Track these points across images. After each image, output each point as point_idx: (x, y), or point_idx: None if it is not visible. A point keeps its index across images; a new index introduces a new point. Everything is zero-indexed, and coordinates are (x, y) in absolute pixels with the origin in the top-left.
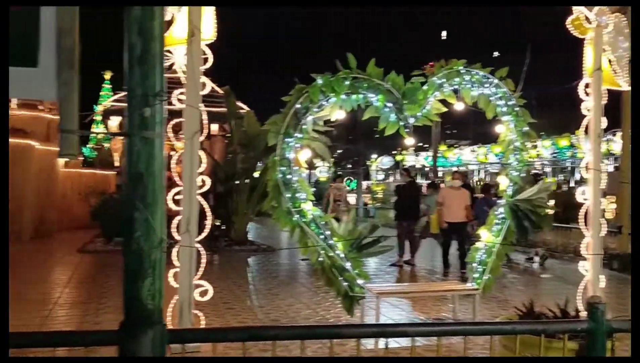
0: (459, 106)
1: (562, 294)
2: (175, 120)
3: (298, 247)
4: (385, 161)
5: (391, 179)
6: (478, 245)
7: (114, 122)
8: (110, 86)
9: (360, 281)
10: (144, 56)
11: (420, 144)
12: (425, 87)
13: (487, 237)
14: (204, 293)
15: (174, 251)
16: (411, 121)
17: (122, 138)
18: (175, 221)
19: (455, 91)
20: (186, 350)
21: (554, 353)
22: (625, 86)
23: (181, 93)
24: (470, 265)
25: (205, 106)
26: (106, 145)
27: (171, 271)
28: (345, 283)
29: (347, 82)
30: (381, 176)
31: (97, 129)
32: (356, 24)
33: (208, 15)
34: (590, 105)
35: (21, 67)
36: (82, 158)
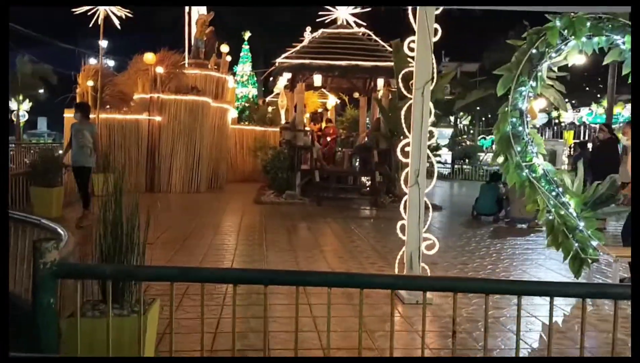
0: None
1: None
2: (406, 69)
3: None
4: (541, 116)
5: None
6: None
7: (283, 81)
8: (249, 47)
9: (594, 243)
10: None
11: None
12: None
13: None
14: (430, 246)
15: (402, 203)
16: None
17: (285, 96)
18: (403, 174)
19: None
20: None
21: None
22: None
23: (411, 41)
24: None
25: (370, 60)
26: (260, 103)
27: (399, 223)
28: (577, 244)
29: (589, 23)
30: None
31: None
32: None
33: None
34: None
35: None
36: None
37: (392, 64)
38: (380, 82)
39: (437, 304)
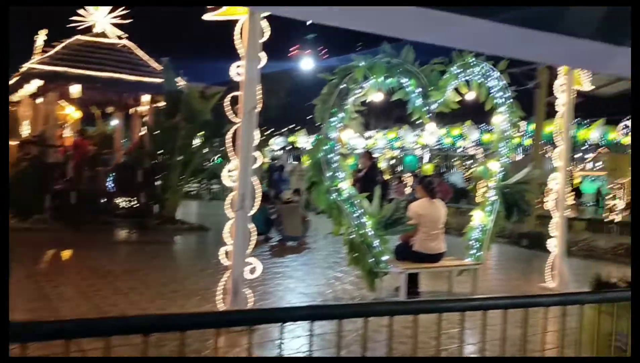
0: (469, 96)
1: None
2: (232, 94)
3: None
4: (278, 141)
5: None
6: (473, 224)
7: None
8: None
9: (385, 258)
10: None
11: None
12: (445, 75)
13: (481, 217)
14: (253, 270)
15: (226, 228)
16: (433, 107)
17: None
18: (228, 198)
19: (467, 82)
20: None
21: None
22: (587, 86)
23: (239, 66)
24: (467, 243)
25: (136, 75)
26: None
27: (222, 249)
28: (372, 260)
29: (385, 66)
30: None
31: None
32: None
33: None
34: (563, 101)
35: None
36: None
37: (159, 80)
38: (145, 98)
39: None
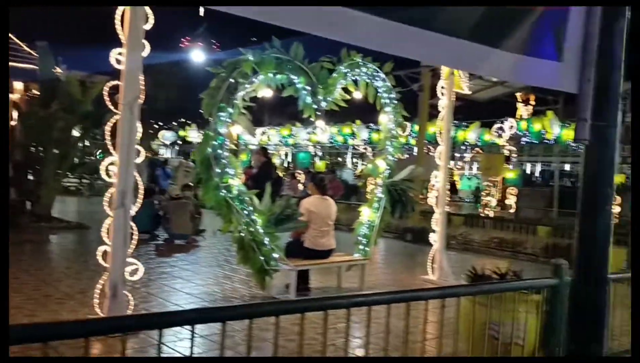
0: (357, 95)
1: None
2: (111, 83)
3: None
4: (168, 135)
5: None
6: (361, 220)
7: None
8: None
9: (275, 255)
10: None
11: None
12: (334, 74)
13: (369, 214)
14: (134, 272)
15: (104, 227)
16: (323, 105)
17: None
18: (107, 195)
19: (355, 82)
20: None
21: (523, 305)
22: (466, 90)
23: (120, 54)
24: (356, 238)
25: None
26: None
27: (100, 249)
28: (262, 258)
29: (275, 62)
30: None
31: None
32: None
33: None
34: (444, 104)
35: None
36: None
37: (33, 67)
38: (18, 85)
39: None
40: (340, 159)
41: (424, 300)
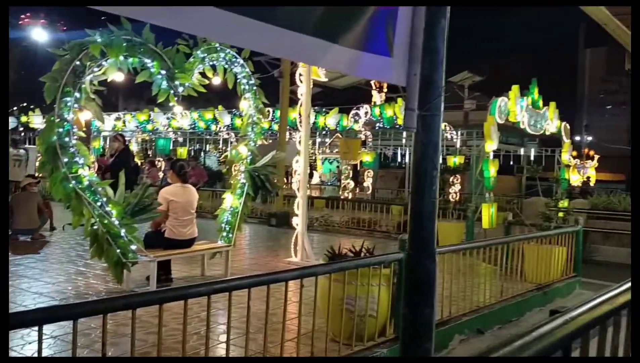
0: (216, 81)
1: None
2: None
3: None
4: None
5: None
6: (224, 207)
7: None
8: None
9: (133, 247)
10: None
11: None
12: (191, 59)
13: (232, 200)
14: None
15: None
16: (180, 89)
17: None
18: None
19: (213, 67)
20: None
21: (376, 279)
22: (323, 77)
23: None
24: (219, 226)
25: None
26: None
27: None
28: (119, 250)
29: (125, 44)
30: None
31: None
32: None
33: None
34: (303, 90)
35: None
36: None
37: None
38: None
39: None
40: (203, 145)
41: (283, 282)
